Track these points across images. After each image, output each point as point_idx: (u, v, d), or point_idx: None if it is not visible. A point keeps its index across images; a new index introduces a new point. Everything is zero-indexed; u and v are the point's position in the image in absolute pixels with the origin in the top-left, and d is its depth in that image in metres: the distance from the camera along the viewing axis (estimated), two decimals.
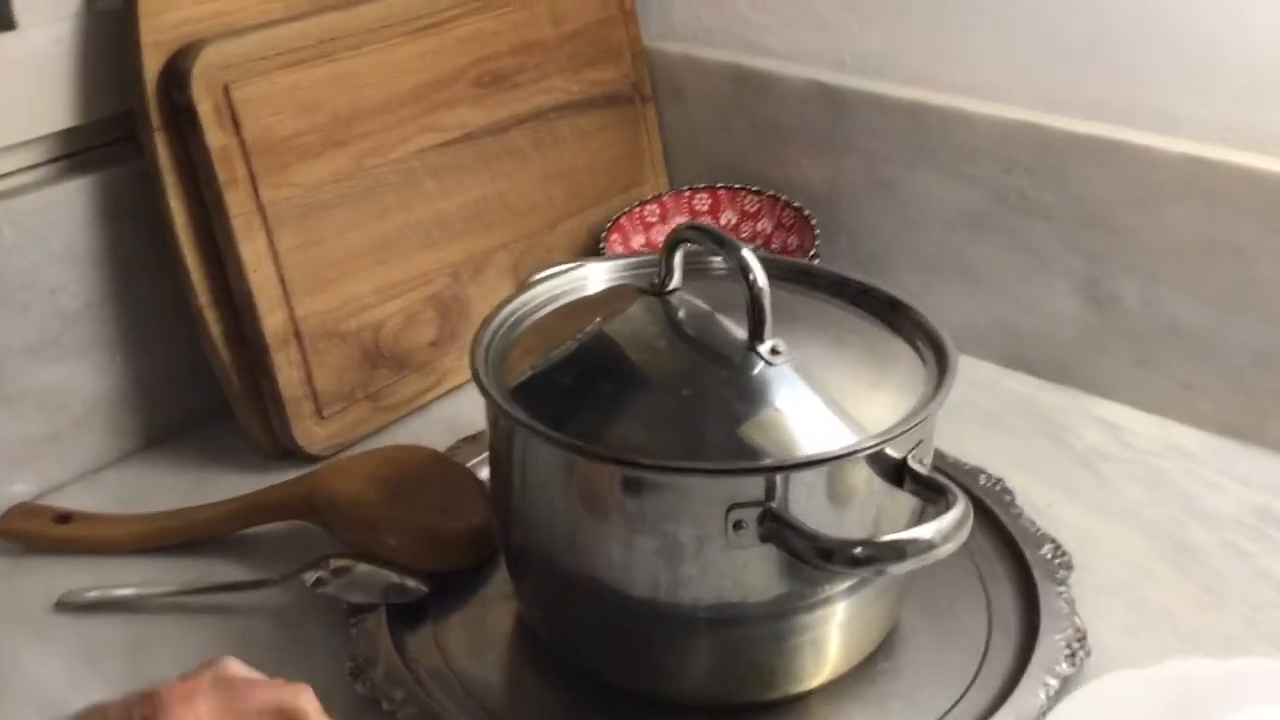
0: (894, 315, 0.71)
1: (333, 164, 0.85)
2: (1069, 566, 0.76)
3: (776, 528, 0.59)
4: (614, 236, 1.04)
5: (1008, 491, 0.82)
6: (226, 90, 0.78)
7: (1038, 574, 0.75)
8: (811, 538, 0.58)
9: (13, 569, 0.79)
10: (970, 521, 0.58)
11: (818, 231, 1.00)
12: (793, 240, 1.04)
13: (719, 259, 0.72)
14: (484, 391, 0.65)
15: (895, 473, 0.62)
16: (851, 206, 1.04)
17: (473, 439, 0.87)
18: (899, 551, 0.57)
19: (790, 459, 0.60)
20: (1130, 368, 0.93)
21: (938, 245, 0.99)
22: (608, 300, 0.74)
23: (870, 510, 0.63)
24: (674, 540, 0.60)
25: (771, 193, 1.05)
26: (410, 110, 0.90)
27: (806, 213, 1.03)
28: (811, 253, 0.98)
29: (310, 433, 0.86)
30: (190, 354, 0.86)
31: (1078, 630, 0.71)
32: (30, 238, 0.80)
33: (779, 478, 0.59)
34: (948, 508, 0.58)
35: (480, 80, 0.95)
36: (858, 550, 0.57)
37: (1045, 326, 0.96)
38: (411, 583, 0.74)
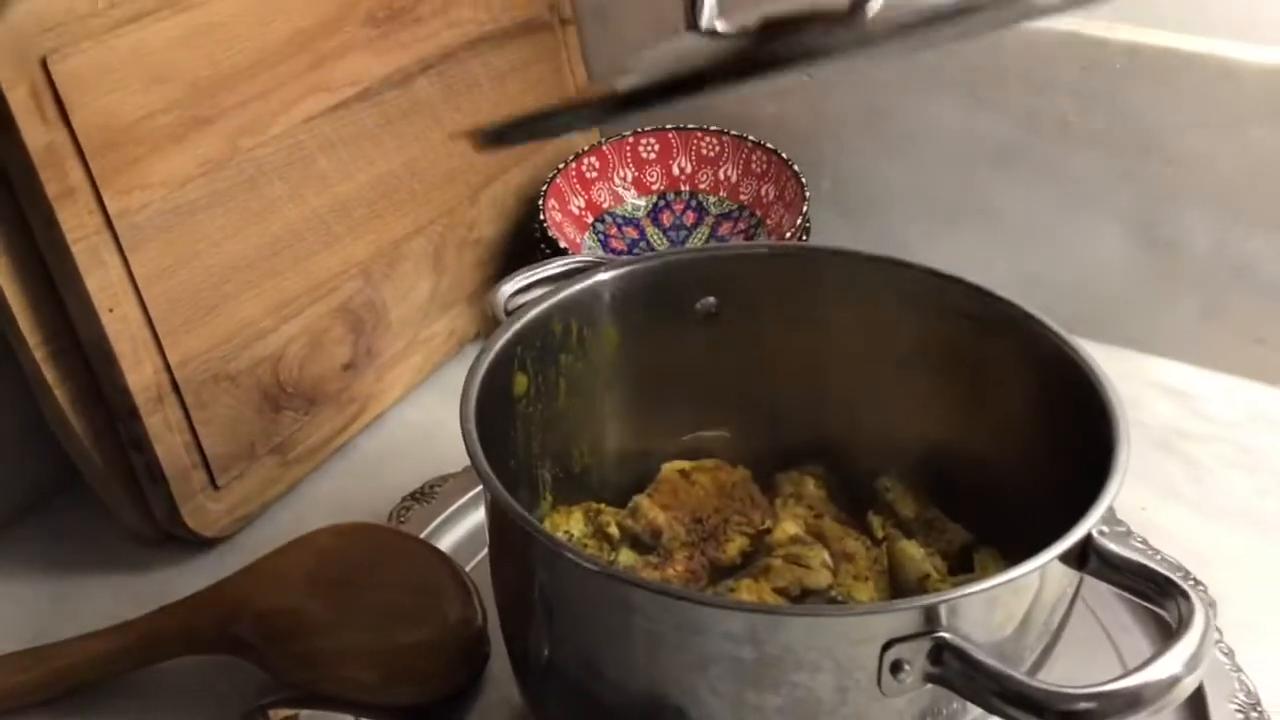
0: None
1: (199, 150, 0.62)
2: (1210, 603, 0.61)
3: (959, 667, 0.41)
4: (551, 202, 0.83)
5: None
6: (45, 65, 0.55)
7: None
8: (1007, 684, 0.41)
9: None
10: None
11: (804, 180, 0.82)
12: (768, 190, 0.85)
13: None
14: (494, 494, 0.46)
15: (1076, 553, 0.45)
16: (837, 144, 0.86)
17: (421, 496, 0.68)
18: (1132, 699, 0.40)
19: (974, 583, 0.42)
20: (1194, 321, 0.78)
21: (951, 186, 0.82)
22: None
23: (1047, 613, 0.46)
24: (807, 695, 0.43)
25: (734, 132, 0.86)
26: (291, 66, 0.68)
27: (783, 155, 0.84)
28: (803, 209, 0.80)
29: (204, 512, 0.65)
30: (28, 417, 0.63)
31: (1250, 694, 0.56)
32: None
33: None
34: (1181, 616, 0.42)
35: (373, 17, 0.73)
36: (1081, 705, 0.40)
37: (1089, 277, 0.80)
38: None
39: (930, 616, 0.41)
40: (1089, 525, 0.44)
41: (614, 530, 0.59)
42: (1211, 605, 0.61)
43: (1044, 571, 0.44)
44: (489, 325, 0.57)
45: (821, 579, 0.57)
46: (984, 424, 0.59)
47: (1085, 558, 0.45)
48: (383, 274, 0.75)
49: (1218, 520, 0.68)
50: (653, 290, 0.60)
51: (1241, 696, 0.56)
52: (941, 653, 0.42)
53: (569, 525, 0.59)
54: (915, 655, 0.42)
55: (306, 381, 0.70)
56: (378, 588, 0.58)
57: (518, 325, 0.55)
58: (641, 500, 0.60)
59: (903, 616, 0.41)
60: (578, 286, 0.58)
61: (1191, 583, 0.62)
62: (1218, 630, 0.59)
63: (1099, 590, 0.54)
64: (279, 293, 0.68)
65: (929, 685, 0.42)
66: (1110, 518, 0.66)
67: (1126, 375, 0.77)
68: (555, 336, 0.58)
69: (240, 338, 0.66)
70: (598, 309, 0.59)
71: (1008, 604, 0.44)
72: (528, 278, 0.59)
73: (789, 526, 0.59)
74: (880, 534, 0.60)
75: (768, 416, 0.64)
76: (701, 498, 0.62)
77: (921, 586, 0.57)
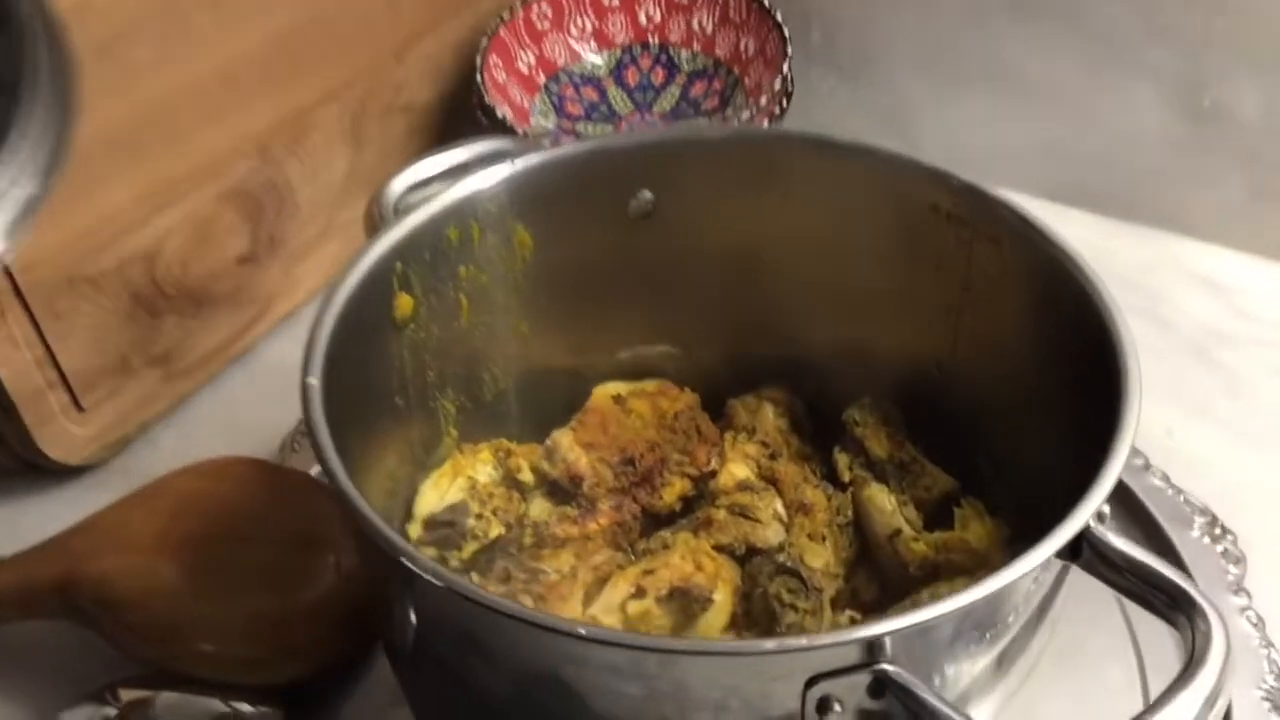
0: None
1: None
2: (1238, 558, 0.51)
3: (903, 708, 0.32)
4: (492, 59, 0.72)
5: None
6: None
7: (1196, 575, 0.50)
8: None
9: None
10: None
11: (787, 33, 0.70)
12: (748, 43, 0.73)
13: None
14: (332, 478, 0.36)
15: (1070, 544, 0.35)
16: None
17: None
18: None
19: (916, 612, 0.32)
20: (1241, 202, 0.68)
21: (959, 41, 0.71)
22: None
23: (1025, 610, 0.37)
24: None
25: None
26: None
27: (765, 2, 0.72)
28: (784, 67, 0.68)
29: (67, 436, 0.56)
30: None
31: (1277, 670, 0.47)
32: None
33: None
34: (1195, 641, 0.32)
35: None
36: None
37: (1120, 148, 0.70)
38: (250, 709, 0.46)
39: (871, 647, 0.32)
40: (1081, 520, 0.34)
41: (527, 476, 0.50)
42: (1239, 561, 0.51)
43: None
44: (369, 232, 0.47)
45: (771, 535, 0.48)
46: (972, 346, 0.49)
47: (1078, 549, 0.36)
48: (286, 150, 0.64)
49: (1255, 445, 0.58)
50: (573, 185, 0.49)
51: (1271, 680, 0.47)
52: (883, 688, 0.32)
53: (474, 470, 0.50)
54: (848, 692, 0.33)
55: (191, 280, 0.60)
56: (248, 541, 0.49)
57: (395, 236, 0.45)
58: (560, 438, 0.50)
59: (829, 653, 0.32)
60: (478, 184, 0.48)
61: (1218, 532, 0.53)
62: (1246, 594, 0.50)
63: None
64: (150, 177, 0.58)
65: None
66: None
67: (1158, 263, 0.68)
68: (450, 245, 0.48)
69: (104, 231, 0.56)
70: (504, 209, 0.49)
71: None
72: (426, 170, 0.49)
73: (737, 469, 0.50)
74: (847, 476, 0.50)
75: (720, 330, 0.54)
76: (637, 430, 0.52)
77: (891, 545, 0.48)
